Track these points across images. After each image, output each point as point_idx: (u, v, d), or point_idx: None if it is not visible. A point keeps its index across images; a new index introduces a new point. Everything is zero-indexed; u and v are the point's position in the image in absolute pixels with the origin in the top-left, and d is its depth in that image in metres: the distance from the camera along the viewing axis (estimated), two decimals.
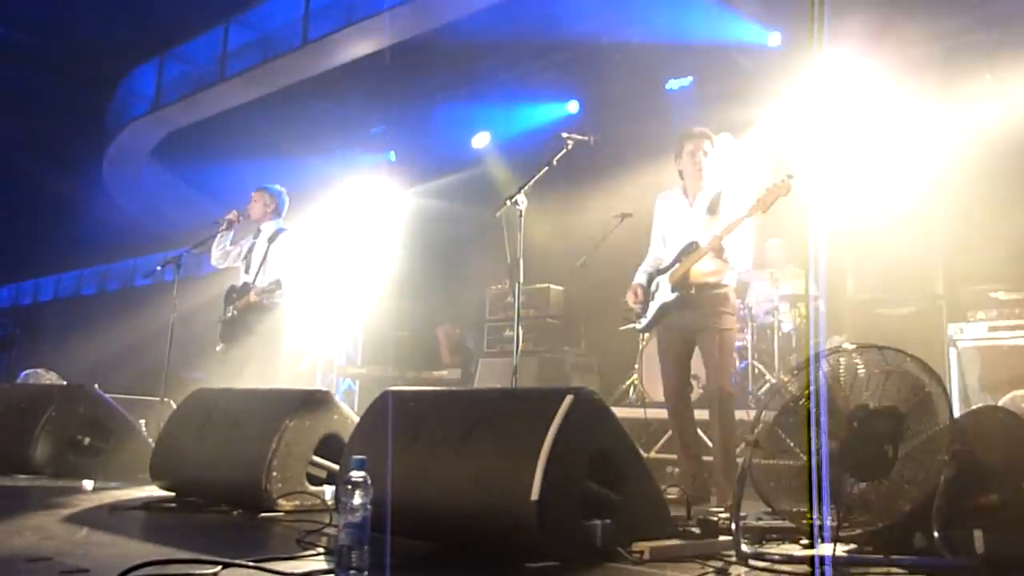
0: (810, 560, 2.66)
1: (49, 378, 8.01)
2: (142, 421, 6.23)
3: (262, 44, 10.16)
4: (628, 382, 8.02)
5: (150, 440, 5.66)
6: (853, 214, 6.82)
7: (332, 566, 2.23)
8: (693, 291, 4.37)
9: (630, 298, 4.63)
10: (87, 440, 5.15)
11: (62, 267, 22.39)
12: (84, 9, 11.70)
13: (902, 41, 7.51)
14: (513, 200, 4.54)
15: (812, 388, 2.79)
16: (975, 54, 7.53)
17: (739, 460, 4.05)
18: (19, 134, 15.35)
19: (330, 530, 3.01)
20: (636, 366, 7.68)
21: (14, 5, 12.23)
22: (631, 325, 7.17)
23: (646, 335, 7.21)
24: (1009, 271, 6.30)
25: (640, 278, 4.64)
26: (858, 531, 2.84)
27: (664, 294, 4.45)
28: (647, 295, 4.57)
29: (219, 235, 6.27)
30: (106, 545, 2.76)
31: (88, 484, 4.52)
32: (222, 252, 6.24)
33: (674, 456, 5.62)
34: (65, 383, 6.67)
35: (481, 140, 10.50)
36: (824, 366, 2.89)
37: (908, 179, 7.03)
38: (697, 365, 4.69)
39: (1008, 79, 7.23)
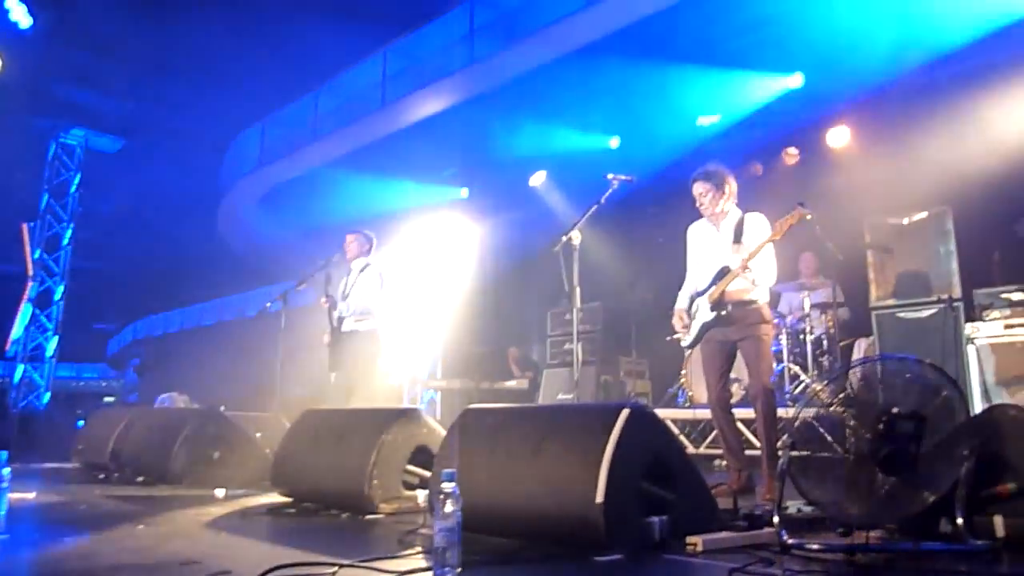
0: (845, 548, 2.65)
1: (182, 400, 8.32)
2: (258, 434, 6.43)
3: (347, 107, 10.46)
4: (677, 386, 7.98)
5: (268, 451, 5.85)
6: (874, 227, 6.70)
7: (431, 564, 2.30)
8: (730, 308, 4.38)
9: (676, 323, 4.65)
10: (216, 454, 5.34)
11: (185, 302, 23.15)
12: (198, 85, 12.20)
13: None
14: (568, 236, 4.62)
15: (842, 396, 2.79)
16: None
17: (779, 453, 4.04)
18: (149, 192, 16.03)
19: (425, 530, 3.10)
20: (683, 372, 7.64)
21: (146, 86, 12.83)
22: (677, 336, 7.19)
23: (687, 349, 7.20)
24: (1020, 275, 6.11)
25: (682, 303, 4.67)
26: (888, 520, 2.83)
27: (704, 314, 4.47)
28: (689, 316, 4.60)
29: (319, 273, 6.45)
30: (242, 548, 2.89)
31: (220, 492, 4.70)
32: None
33: (721, 451, 5.59)
34: (197, 406, 6.92)
35: (538, 178, 10.61)
36: (854, 375, 2.89)
37: (922, 192, 6.89)
38: (739, 369, 4.71)
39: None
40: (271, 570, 2.11)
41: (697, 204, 4.57)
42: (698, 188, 4.54)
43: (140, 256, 21.01)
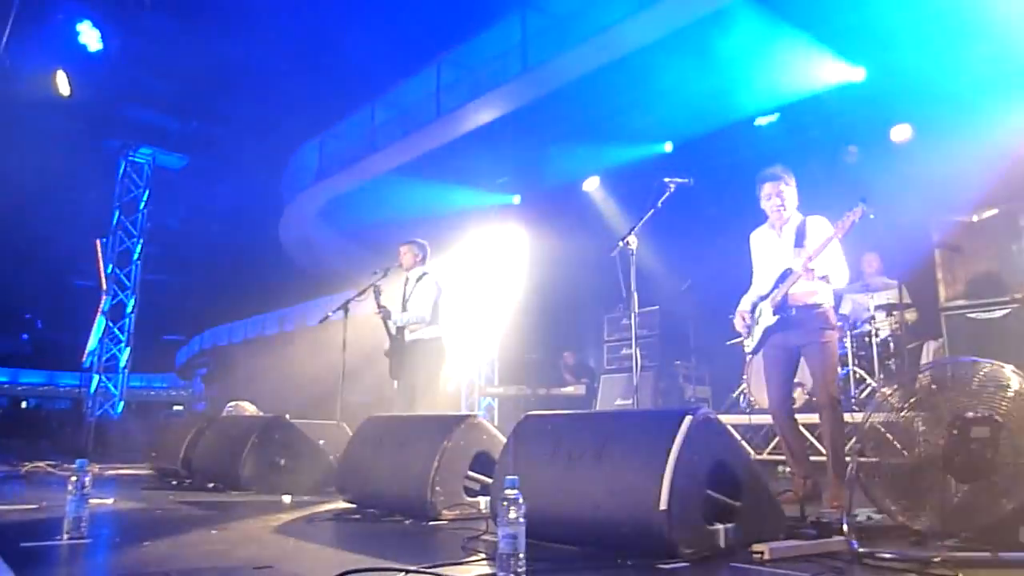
0: (920, 558, 2.57)
1: (251, 408, 8.51)
2: (321, 441, 6.55)
3: (403, 119, 10.60)
4: (738, 391, 7.86)
5: (332, 458, 5.96)
6: (940, 225, 6.50)
7: (496, 570, 2.31)
8: (794, 312, 4.31)
9: (738, 323, 4.61)
10: (283, 461, 5.47)
11: (249, 312, 23.72)
12: (258, 101, 12.53)
13: None
14: (625, 241, 4.60)
15: (912, 400, 2.72)
16: None
17: (848, 459, 3.94)
18: (213, 206, 16.54)
19: (488, 536, 3.12)
20: (744, 376, 7.52)
21: (209, 103, 13.24)
22: (737, 340, 7.09)
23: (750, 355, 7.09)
24: None
25: (744, 305, 4.62)
26: (963, 529, 2.74)
27: (767, 318, 4.40)
28: (752, 319, 4.53)
29: (377, 282, 6.54)
30: (311, 553, 2.96)
31: (287, 498, 4.82)
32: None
33: (784, 456, 5.48)
34: (263, 415, 7.09)
35: (591, 183, 10.60)
36: (924, 379, 2.81)
37: (990, 188, 6.65)
38: (803, 373, 4.62)
39: None
40: (341, 575, 2.15)
41: (764, 205, 4.49)
42: (767, 189, 4.46)
43: (206, 269, 21.67)
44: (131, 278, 14.67)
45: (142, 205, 14.94)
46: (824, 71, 8.01)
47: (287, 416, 5.82)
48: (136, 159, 14.97)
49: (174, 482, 6.06)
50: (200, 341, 26.98)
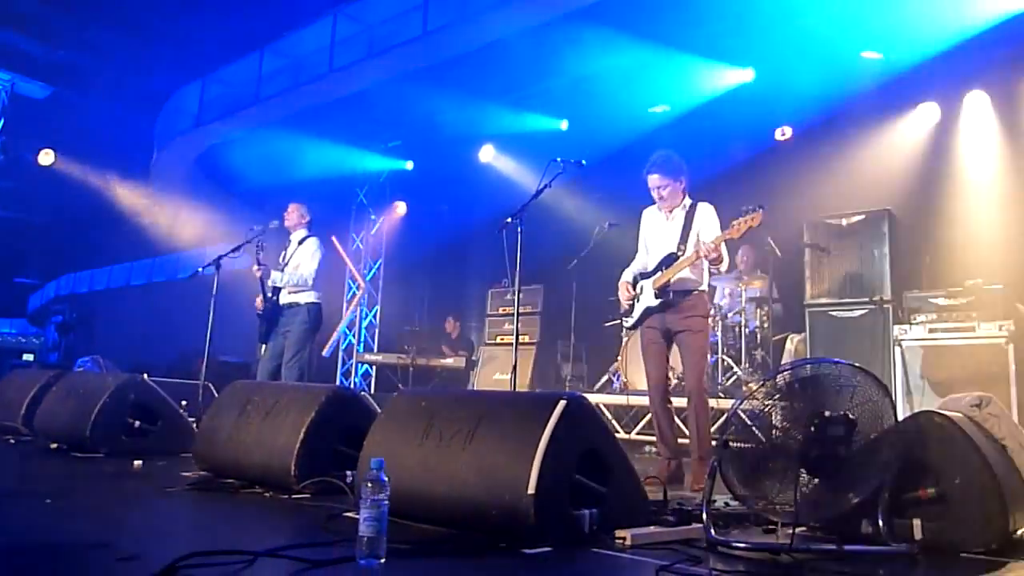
0: (771, 547, 2.68)
1: (103, 365, 7.99)
2: (184, 402, 6.21)
3: (293, 70, 10.12)
4: (611, 370, 8.04)
5: (191, 420, 5.66)
6: (812, 226, 6.84)
7: (355, 553, 2.23)
8: (672, 296, 4.42)
9: (623, 295, 4.68)
10: (137, 423, 5.13)
11: (114, 259, 22.28)
12: (136, 35, 11.64)
13: None
14: (513, 219, 4.57)
15: (776, 396, 2.81)
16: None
17: (714, 442, 4.09)
18: (81, 146, 15.29)
19: (350, 514, 3.01)
20: (619, 357, 7.70)
21: (80, 32, 12.17)
22: (616, 321, 7.23)
23: (627, 331, 7.26)
24: (947, 280, 6.32)
25: (627, 277, 4.70)
26: (812, 519, 2.87)
27: (648, 298, 4.50)
28: (634, 294, 4.63)
29: (254, 241, 6.24)
30: (156, 529, 2.75)
31: (138, 463, 4.51)
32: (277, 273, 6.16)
33: (651, 436, 5.66)
34: (119, 372, 6.65)
35: (486, 153, 10.49)
36: (787, 376, 2.90)
37: (860, 196, 7.05)
38: (674, 358, 4.77)
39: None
40: (182, 559, 1.99)
41: (654, 195, 4.56)
42: (655, 180, 4.52)
43: (67, 209, 20.08)
44: None
45: None
46: (715, 76, 8.25)
47: (146, 375, 5.46)
48: None
49: (12, 440, 5.59)
50: (56, 286, 25.12)
